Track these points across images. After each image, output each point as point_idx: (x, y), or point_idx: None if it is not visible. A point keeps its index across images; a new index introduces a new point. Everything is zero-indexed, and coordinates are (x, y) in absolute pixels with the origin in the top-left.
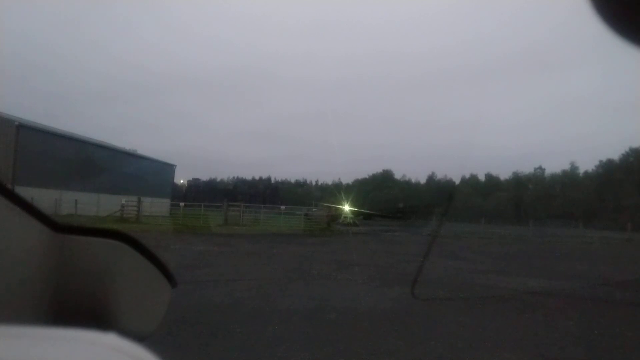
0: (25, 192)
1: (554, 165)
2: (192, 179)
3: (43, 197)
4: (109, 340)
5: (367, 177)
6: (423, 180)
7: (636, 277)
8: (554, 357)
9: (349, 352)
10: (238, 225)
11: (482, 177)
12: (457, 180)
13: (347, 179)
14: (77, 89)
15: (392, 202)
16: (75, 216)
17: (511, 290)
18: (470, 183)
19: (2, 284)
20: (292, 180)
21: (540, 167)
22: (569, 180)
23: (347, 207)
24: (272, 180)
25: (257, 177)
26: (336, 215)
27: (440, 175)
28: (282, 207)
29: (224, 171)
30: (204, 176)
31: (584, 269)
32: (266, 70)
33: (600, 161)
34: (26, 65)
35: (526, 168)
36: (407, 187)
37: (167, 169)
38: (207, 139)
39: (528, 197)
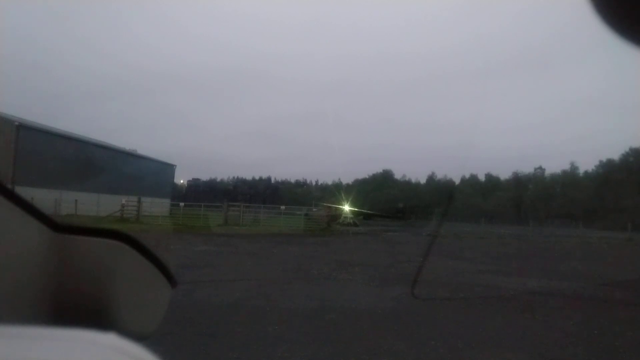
0: (25, 192)
1: (554, 165)
2: (192, 179)
3: (43, 197)
4: (109, 340)
5: (367, 177)
6: (423, 180)
7: (636, 277)
8: (554, 357)
9: (349, 352)
10: (238, 225)
11: (482, 177)
12: (457, 180)
13: (347, 179)
14: (77, 89)
15: (392, 202)
16: (75, 216)
17: (511, 290)
18: (470, 183)
19: (2, 284)
20: (292, 180)
21: (540, 167)
22: (569, 180)
23: (347, 207)
24: (272, 180)
25: (257, 177)
26: (336, 215)
27: (440, 175)
28: (282, 207)
29: (224, 171)
30: (204, 176)
31: (584, 269)
32: (266, 71)
33: (600, 161)
34: (26, 65)
35: (526, 168)
36: (407, 187)
37: (167, 169)
38: (207, 139)
39: (528, 197)
